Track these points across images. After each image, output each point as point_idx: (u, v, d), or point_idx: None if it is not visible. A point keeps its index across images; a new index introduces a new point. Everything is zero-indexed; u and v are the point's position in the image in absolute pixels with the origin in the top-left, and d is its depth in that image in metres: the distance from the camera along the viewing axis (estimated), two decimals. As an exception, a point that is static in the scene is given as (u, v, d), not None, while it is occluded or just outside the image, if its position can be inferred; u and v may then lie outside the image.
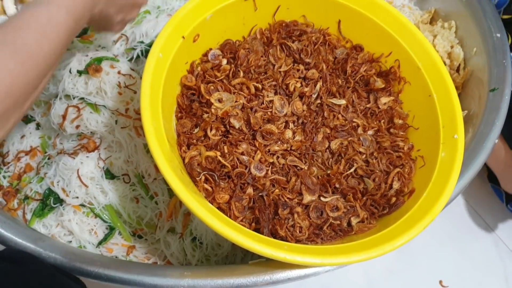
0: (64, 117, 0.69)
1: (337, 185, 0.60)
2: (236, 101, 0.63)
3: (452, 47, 0.81)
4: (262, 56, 0.69)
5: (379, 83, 0.67)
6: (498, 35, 0.77)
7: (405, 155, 0.63)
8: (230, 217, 0.56)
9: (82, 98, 0.69)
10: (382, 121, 0.66)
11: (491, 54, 0.75)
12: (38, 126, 0.78)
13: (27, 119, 0.80)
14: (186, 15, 0.62)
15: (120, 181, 0.69)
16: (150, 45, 0.75)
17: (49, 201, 0.70)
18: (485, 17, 0.80)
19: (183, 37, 0.62)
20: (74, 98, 0.69)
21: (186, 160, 0.58)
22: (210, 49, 0.68)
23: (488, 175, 0.98)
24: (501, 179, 0.89)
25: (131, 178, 0.69)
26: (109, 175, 0.69)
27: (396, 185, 0.61)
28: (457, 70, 0.80)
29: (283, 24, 0.72)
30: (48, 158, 0.74)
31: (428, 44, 0.65)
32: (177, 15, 0.61)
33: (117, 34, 0.78)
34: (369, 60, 0.70)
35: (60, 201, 0.70)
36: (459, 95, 0.78)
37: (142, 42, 0.76)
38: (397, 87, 0.69)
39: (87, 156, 0.69)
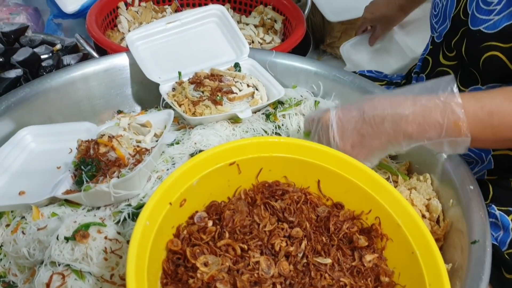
0: (48, 285, 0.68)
1: None
2: (222, 264, 0.63)
3: (429, 199, 0.84)
4: (247, 216, 0.71)
5: (363, 241, 0.68)
6: (471, 187, 0.81)
7: (395, 315, 0.62)
8: None
9: (67, 265, 0.69)
10: (369, 279, 0.66)
11: (466, 206, 0.79)
12: (19, 293, 0.76)
13: (8, 286, 0.78)
14: (173, 182, 0.65)
15: None
16: (137, 207, 0.78)
17: None
18: (456, 170, 0.85)
19: (170, 203, 0.64)
20: (59, 265, 0.69)
21: (171, 331, 0.56)
22: (196, 211, 0.70)
23: None
24: None
25: None
26: None
27: None
28: (437, 222, 0.82)
29: (266, 185, 0.75)
30: (27, 331, 0.71)
31: (406, 202, 0.68)
32: (165, 183, 0.64)
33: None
34: (351, 218, 0.72)
35: None
36: (441, 246, 0.79)
37: (129, 205, 0.79)
38: (380, 244, 0.70)
39: (68, 328, 0.66)
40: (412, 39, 1.68)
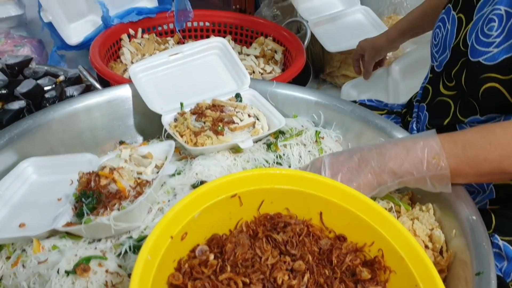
0: (47, 320, 0.67)
1: None
2: (224, 298, 0.62)
3: (432, 229, 0.84)
4: (248, 249, 0.70)
5: (366, 274, 0.67)
6: (474, 217, 0.81)
7: None
8: None
9: (67, 299, 0.68)
10: (373, 313, 0.65)
11: (469, 236, 0.78)
12: (18, 328, 0.75)
13: (7, 320, 0.77)
14: (175, 215, 0.65)
15: None
16: (138, 240, 0.77)
17: None
18: (458, 200, 0.85)
19: (172, 237, 0.64)
20: (59, 299, 0.68)
21: None
22: (198, 244, 0.70)
23: None
24: None
25: None
26: None
27: None
28: (441, 253, 0.81)
29: (268, 217, 0.75)
30: None
31: (408, 234, 0.68)
32: (166, 216, 0.64)
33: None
34: (353, 250, 0.72)
35: None
36: (445, 278, 0.78)
37: (130, 237, 0.78)
38: (383, 276, 0.69)
39: None
40: (409, 80, 1.72)
